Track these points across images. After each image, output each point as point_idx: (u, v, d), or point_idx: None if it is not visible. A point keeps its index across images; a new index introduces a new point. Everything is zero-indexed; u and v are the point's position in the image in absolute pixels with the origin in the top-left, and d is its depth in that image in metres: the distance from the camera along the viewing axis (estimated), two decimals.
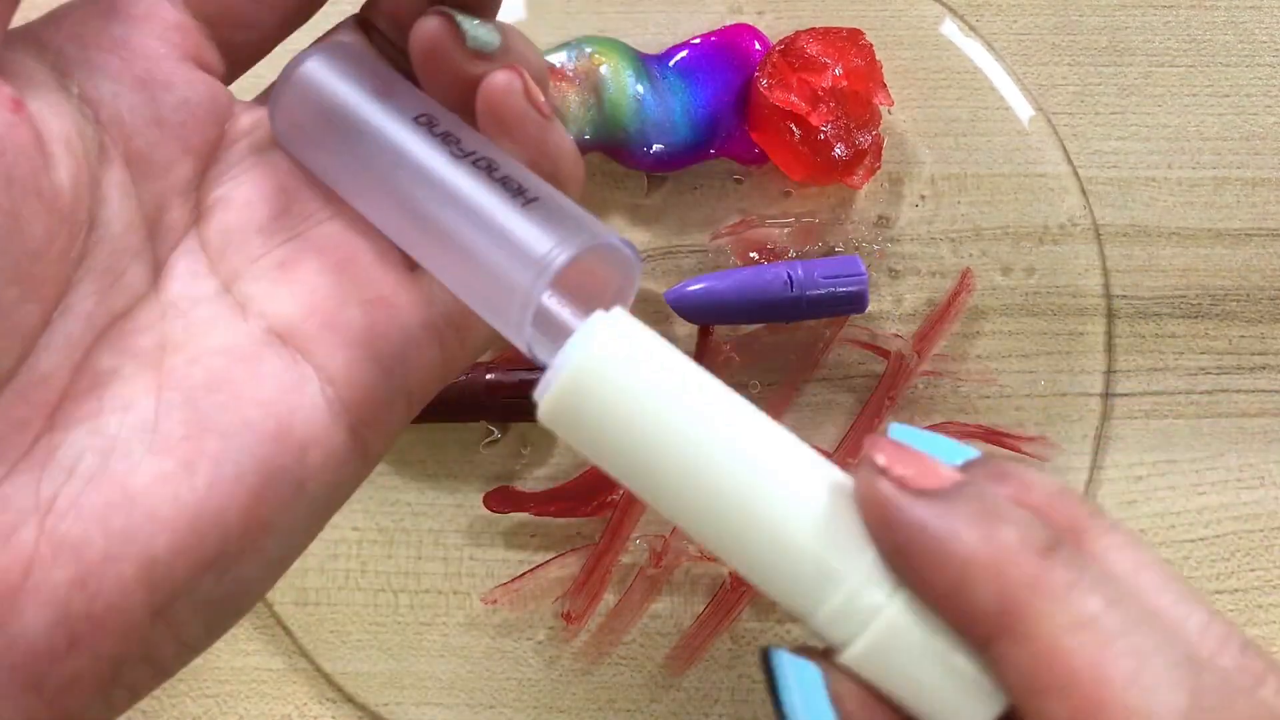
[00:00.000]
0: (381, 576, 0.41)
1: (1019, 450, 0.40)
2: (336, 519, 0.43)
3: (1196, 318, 0.42)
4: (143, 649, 0.22)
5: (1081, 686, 0.18)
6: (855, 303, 0.40)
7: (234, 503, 0.22)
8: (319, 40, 0.26)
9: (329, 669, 0.40)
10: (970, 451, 0.22)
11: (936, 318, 0.41)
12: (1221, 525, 0.41)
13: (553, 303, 0.22)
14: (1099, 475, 0.41)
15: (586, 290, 0.23)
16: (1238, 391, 0.42)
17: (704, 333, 0.41)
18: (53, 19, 0.23)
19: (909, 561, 0.20)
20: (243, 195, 0.25)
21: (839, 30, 0.41)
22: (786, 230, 0.41)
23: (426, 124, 0.24)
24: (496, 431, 0.41)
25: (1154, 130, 0.44)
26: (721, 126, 0.41)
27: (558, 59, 0.42)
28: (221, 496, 0.22)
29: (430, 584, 0.41)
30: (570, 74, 0.41)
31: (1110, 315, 0.42)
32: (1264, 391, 0.42)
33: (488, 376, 0.40)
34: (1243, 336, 0.42)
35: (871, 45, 0.41)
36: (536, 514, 0.40)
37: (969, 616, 0.19)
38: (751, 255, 0.41)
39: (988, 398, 0.41)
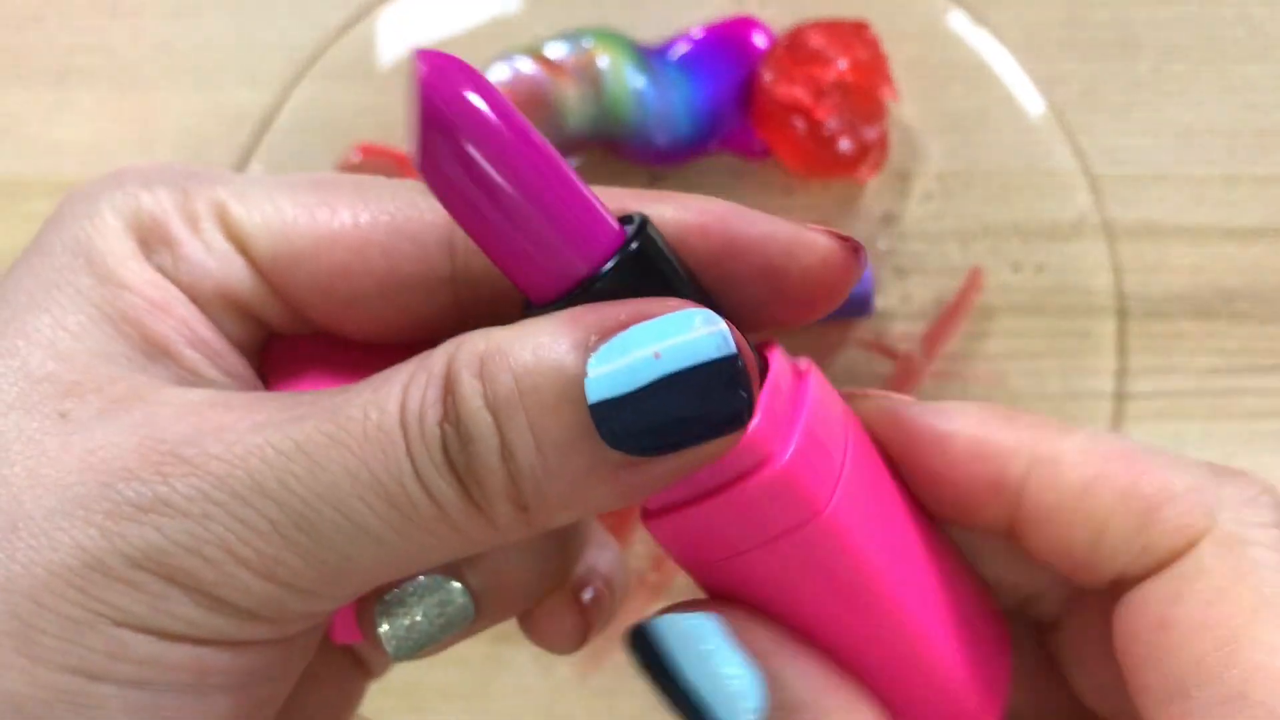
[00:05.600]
0: None
1: None
2: None
3: (1208, 317, 0.42)
4: None
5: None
6: (860, 307, 0.39)
7: None
8: None
9: None
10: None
11: (945, 318, 0.41)
12: None
13: None
14: None
15: None
16: (1249, 392, 0.41)
17: None
18: None
19: (918, 451, 0.22)
20: None
21: (844, 23, 0.41)
22: None
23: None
24: None
25: (1164, 126, 0.43)
26: (724, 121, 0.41)
27: (556, 52, 0.41)
28: None
29: None
30: (569, 67, 0.41)
31: (1121, 314, 0.41)
32: (1276, 392, 0.41)
33: None
34: (1255, 336, 0.42)
35: (877, 38, 0.41)
36: None
37: (975, 486, 0.21)
38: None
39: (997, 398, 0.41)
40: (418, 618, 0.22)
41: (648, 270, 0.19)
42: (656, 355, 0.17)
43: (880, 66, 0.40)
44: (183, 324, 0.20)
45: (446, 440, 0.17)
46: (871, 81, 0.40)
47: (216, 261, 0.21)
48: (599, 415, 0.17)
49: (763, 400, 0.19)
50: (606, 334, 0.17)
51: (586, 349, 0.17)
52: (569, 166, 0.18)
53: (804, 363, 0.21)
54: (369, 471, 0.17)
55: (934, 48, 0.42)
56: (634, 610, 0.39)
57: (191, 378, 0.20)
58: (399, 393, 0.18)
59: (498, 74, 0.41)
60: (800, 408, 0.19)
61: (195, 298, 0.21)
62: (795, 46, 0.40)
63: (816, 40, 0.40)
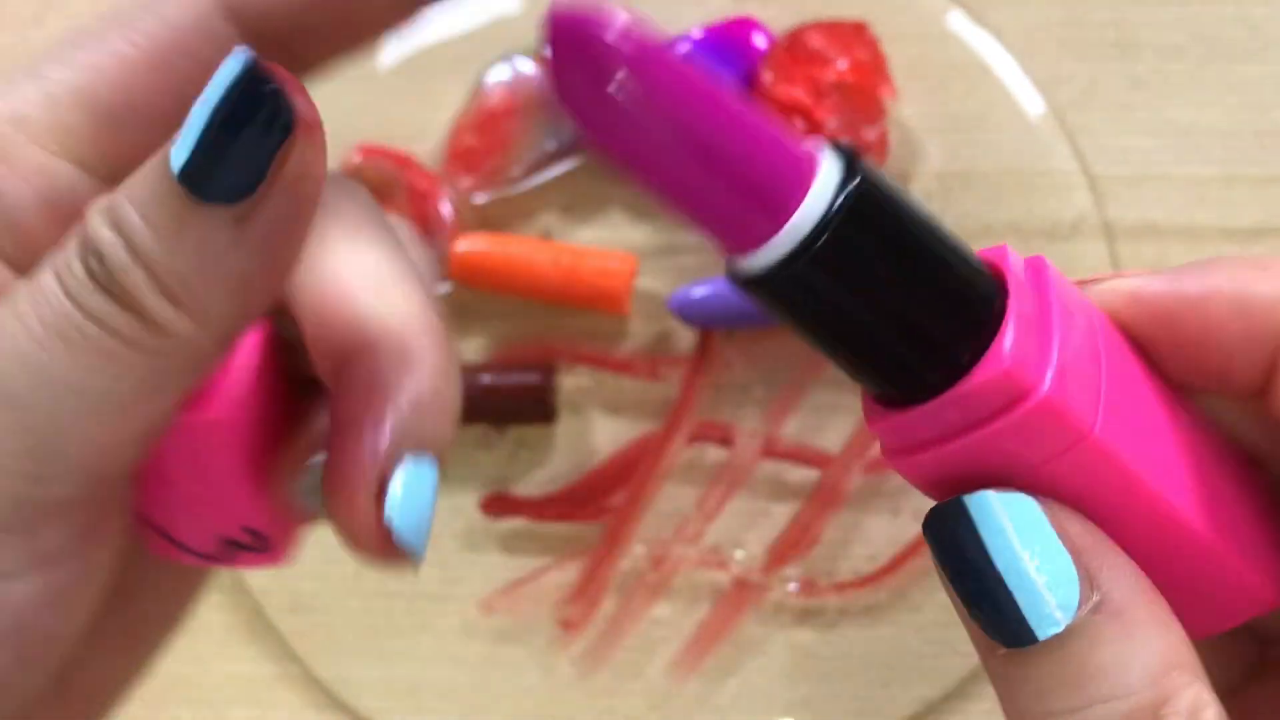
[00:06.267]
0: (376, 581, 0.40)
1: None
2: None
3: None
4: None
5: None
6: None
7: None
8: None
9: (322, 675, 0.40)
10: None
11: None
12: None
13: None
14: None
15: None
16: None
17: (706, 336, 0.40)
18: None
19: (1170, 324, 0.21)
20: None
21: (844, 23, 0.41)
22: None
23: None
24: (494, 434, 0.41)
25: (1163, 126, 0.43)
26: None
27: None
28: None
29: (426, 589, 0.40)
30: None
31: None
32: None
33: (484, 379, 0.39)
34: None
35: (877, 38, 0.41)
36: (534, 519, 0.40)
37: (1237, 345, 0.20)
38: None
39: None
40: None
41: (876, 215, 0.18)
42: (204, 104, 0.18)
43: (880, 67, 0.40)
44: None
45: (89, 266, 0.19)
46: (871, 82, 0.40)
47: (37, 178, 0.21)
48: (186, 177, 0.18)
49: (1007, 329, 0.18)
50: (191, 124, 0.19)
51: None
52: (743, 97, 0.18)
53: (1037, 262, 0.20)
54: (38, 321, 0.19)
55: (934, 48, 0.42)
56: (634, 609, 0.40)
57: None
58: (52, 256, 0.19)
59: (498, 74, 0.41)
60: (1049, 326, 0.18)
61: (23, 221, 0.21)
62: (795, 47, 0.40)
63: (816, 41, 0.40)
